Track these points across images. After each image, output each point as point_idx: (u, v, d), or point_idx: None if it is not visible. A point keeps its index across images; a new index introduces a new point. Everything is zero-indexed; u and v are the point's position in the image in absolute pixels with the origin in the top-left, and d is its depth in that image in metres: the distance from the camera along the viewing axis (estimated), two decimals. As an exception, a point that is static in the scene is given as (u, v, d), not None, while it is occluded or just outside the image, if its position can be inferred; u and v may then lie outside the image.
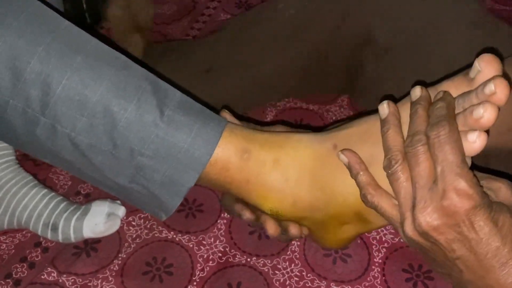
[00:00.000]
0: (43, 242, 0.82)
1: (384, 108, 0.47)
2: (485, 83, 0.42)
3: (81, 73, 0.48)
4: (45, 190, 0.81)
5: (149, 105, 0.49)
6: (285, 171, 0.51)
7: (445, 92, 0.45)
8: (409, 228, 0.44)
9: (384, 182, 0.47)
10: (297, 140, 0.52)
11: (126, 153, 0.49)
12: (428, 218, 0.41)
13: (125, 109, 0.48)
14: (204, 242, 0.81)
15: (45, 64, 0.47)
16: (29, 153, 0.55)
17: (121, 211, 0.81)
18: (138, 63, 0.52)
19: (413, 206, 0.43)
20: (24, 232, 0.83)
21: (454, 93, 0.45)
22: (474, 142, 0.42)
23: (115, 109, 0.48)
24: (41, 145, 0.50)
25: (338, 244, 0.56)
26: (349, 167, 0.49)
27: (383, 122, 0.47)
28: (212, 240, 0.81)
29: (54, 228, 0.78)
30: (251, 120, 0.65)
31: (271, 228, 0.54)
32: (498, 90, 0.41)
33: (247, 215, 0.55)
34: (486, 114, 0.41)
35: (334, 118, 0.98)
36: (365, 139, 0.50)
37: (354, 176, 0.48)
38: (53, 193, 0.82)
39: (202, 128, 0.50)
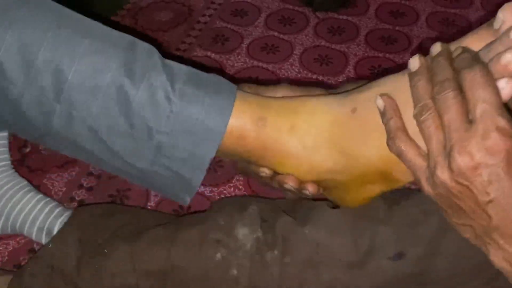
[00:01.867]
0: (37, 249, 0.80)
1: (416, 61, 0.46)
2: (509, 29, 0.42)
3: (91, 56, 0.47)
4: (40, 195, 0.80)
5: (160, 82, 0.48)
6: (302, 137, 0.50)
7: (464, 47, 0.45)
8: (442, 172, 0.42)
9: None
10: (314, 105, 0.51)
11: (143, 132, 0.49)
12: (468, 158, 0.40)
13: (137, 88, 0.47)
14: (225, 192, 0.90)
15: (54, 51, 0.46)
16: (48, 146, 0.54)
17: None
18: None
19: (450, 149, 0.42)
20: (18, 239, 0.82)
21: (478, 46, 0.45)
22: (504, 89, 0.41)
23: (128, 89, 0.47)
24: (59, 134, 0.49)
25: (361, 202, 0.55)
26: (383, 112, 0.47)
27: (414, 74, 0.46)
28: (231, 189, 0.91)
29: (49, 233, 0.76)
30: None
31: (292, 180, 0.52)
32: None
33: (266, 171, 0.53)
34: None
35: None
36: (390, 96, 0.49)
37: (386, 120, 0.47)
38: (47, 199, 0.80)
39: (214, 99, 0.49)
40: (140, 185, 0.56)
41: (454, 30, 1.26)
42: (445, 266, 0.61)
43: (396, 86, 0.49)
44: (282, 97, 0.54)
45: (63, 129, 0.49)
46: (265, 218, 0.66)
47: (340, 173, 0.51)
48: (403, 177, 0.50)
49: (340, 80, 1.13)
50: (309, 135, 0.51)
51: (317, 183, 0.53)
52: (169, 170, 0.51)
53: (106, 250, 0.67)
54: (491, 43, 0.44)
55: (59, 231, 0.74)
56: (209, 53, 1.18)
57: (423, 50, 1.17)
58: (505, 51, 0.41)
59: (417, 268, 0.61)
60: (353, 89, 0.52)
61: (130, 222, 0.71)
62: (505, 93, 0.41)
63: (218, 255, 0.63)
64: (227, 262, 0.63)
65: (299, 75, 1.14)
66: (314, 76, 1.14)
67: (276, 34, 1.25)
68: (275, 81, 1.12)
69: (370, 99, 0.49)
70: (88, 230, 0.71)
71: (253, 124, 0.50)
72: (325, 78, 1.13)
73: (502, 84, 0.41)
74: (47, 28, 0.47)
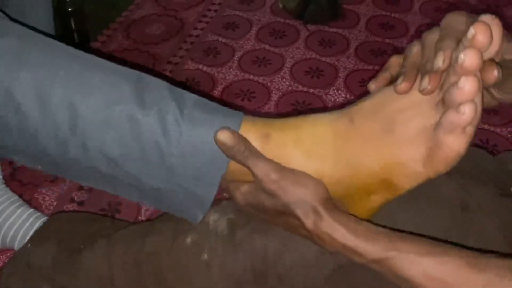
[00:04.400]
0: (28, 263, 0.80)
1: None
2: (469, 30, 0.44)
3: (101, 90, 0.50)
4: (31, 210, 0.80)
5: (169, 108, 0.51)
6: (306, 149, 0.52)
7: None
8: None
9: None
10: (314, 119, 0.53)
11: (156, 156, 0.51)
12: None
13: (148, 115, 0.50)
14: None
15: (67, 87, 0.49)
16: (67, 177, 0.56)
17: None
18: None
19: None
20: (8, 254, 0.82)
21: None
22: (463, 87, 0.43)
23: (138, 117, 0.50)
24: (77, 163, 0.52)
25: (367, 214, 0.55)
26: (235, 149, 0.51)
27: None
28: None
29: None
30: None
31: None
32: (477, 32, 0.42)
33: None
34: (467, 59, 0.42)
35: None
36: (378, 109, 0.51)
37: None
38: (38, 213, 0.80)
39: (221, 120, 0.51)
40: (154, 206, 0.57)
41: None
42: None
43: (387, 98, 0.50)
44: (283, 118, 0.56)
45: (79, 158, 0.51)
46: (238, 208, 0.66)
47: (345, 184, 0.52)
48: (405, 184, 0.51)
49: (330, 93, 1.14)
50: (313, 146, 0.52)
51: None
52: (182, 188, 0.53)
53: (82, 246, 0.68)
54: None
55: (36, 232, 0.75)
56: (200, 66, 1.19)
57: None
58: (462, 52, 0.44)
59: None
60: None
61: (109, 227, 0.72)
62: (463, 91, 0.43)
63: (189, 240, 0.63)
64: (198, 247, 0.63)
65: (290, 88, 1.15)
66: (305, 89, 1.15)
67: (267, 47, 1.26)
68: (266, 94, 1.12)
69: (365, 108, 0.51)
70: (66, 232, 0.73)
71: (259, 140, 0.51)
72: (315, 90, 1.14)
73: (460, 84, 0.43)
74: (58, 67, 0.50)
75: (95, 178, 0.54)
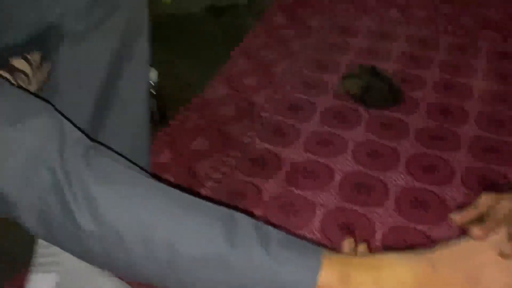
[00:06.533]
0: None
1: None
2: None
3: (197, 231, 0.57)
4: None
5: (255, 247, 0.56)
6: None
7: None
8: None
9: None
10: (393, 260, 0.56)
11: None
12: None
13: (237, 255, 0.56)
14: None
15: (168, 229, 0.57)
16: None
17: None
18: None
19: None
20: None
21: None
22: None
23: (231, 258, 0.56)
24: None
25: None
26: None
27: None
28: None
29: None
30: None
31: None
32: None
33: None
34: None
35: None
36: (462, 259, 0.54)
37: None
38: None
39: (304, 260, 0.56)
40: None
41: (505, 132, 1.31)
42: None
43: (471, 247, 0.55)
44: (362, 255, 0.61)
45: None
46: None
47: None
48: None
49: (391, 175, 1.20)
50: None
51: None
52: None
53: None
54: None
55: None
56: (269, 146, 1.29)
57: (472, 149, 1.22)
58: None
59: None
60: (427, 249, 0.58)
61: None
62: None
63: None
64: None
65: (352, 169, 1.22)
66: (366, 170, 1.21)
67: (330, 129, 1.34)
68: (330, 174, 1.20)
69: (447, 256, 0.55)
70: None
71: (338, 280, 0.55)
72: (376, 172, 1.21)
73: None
74: (161, 209, 0.58)
75: None
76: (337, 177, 1.19)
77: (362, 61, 1.57)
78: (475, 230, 0.54)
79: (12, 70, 0.87)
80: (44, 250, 0.85)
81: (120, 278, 0.83)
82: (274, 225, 0.60)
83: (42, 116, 0.60)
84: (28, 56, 0.88)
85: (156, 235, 0.56)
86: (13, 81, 0.86)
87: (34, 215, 0.57)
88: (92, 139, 0.64)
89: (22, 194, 0.57)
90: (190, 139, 1.32)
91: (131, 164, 0.64)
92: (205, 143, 1.30)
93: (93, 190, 0.56)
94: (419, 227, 1.06)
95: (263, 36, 1.75)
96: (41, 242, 0.86)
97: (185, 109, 1.43)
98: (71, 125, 0.62)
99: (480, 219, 0.57)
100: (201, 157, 1.26)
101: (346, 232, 1.05)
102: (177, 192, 0.61)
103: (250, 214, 0.61)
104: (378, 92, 1.40)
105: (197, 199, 0.61)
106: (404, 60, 1.60)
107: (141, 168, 0.68)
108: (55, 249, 0.64)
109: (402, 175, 1.20)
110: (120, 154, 0.65)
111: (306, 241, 0.59)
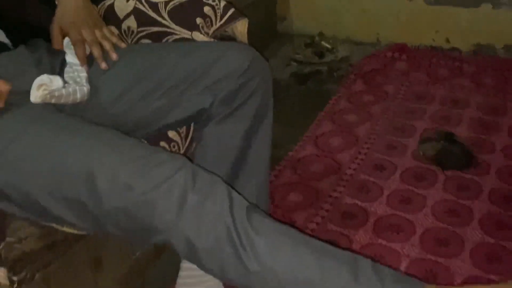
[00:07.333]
0: None
1: None
2: None
3: (331, 272, 0.78)
4: None
5: (375, 284, 0.76)
6: None
7: None
8: None
9: None
10: None
11: None
12: None
13: None
14: None
15: (310, 271, 0.79)
16: None
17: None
18: None
19: None
20: None
21: None
22: None
23: None
24: None
25: None
26: None
27: None
28: None
29: None
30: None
31: None
32: None
33: None
34: None
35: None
36: None
37: None
38: None
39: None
40: None
41: None
42: None
43: None
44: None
45: None
46: None
47: None
48: None
49: (467, 232, 1.35)
50: None
51: None
52: None
53: None
54: None
55: None
56: (356, 201, 1.47)
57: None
58: None
59: None
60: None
61: None
62: None
63: None
64: None
65: (431, 224, 1.38)
66: (444, 226, 1.37)
67: (410, 187, 1.51)
68: (412, 228, 1.36)
69: None
70: None
71: None
72: (454, 228, 1.36)
73: None
74: (303, 253, 0.80)
75: None
76: (419, 231, 1.36)
77: (436, 126, 1.74)
78: None
79: (170, 141, 1.10)
80: (186, 272, 1.07)
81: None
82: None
83: (221, 185, 0.82)
84: (179, 129, 1.12)
85: (300, 275, 0.77)
86: (167, 149, 1.09)
87: (213, 259, 0.79)
88: None
89: (205, 242, 0.79)
90: (285, 192, 1.52)
91: (274, 220, 0.85)
92: (299, 196, 1.50)
93: (256, 240, 0.78)
94: (492, 277, 1.21)
95: (345, 100, 1.96)
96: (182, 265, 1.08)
97: (279, 165, 1.63)
98: (234, 190, 0.84)
99: None
100: (297, 209, 1.45)
101: (429, 278, 1.21)
102: (308, 237, 0.81)
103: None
104: (453, 155, 1.57)
105: (324, 244, 0.81)
106: (475, 126, 1.76)
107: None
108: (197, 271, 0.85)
109: (476, 231, 1.35)
110: None
111: (416, 280, 0.78)
